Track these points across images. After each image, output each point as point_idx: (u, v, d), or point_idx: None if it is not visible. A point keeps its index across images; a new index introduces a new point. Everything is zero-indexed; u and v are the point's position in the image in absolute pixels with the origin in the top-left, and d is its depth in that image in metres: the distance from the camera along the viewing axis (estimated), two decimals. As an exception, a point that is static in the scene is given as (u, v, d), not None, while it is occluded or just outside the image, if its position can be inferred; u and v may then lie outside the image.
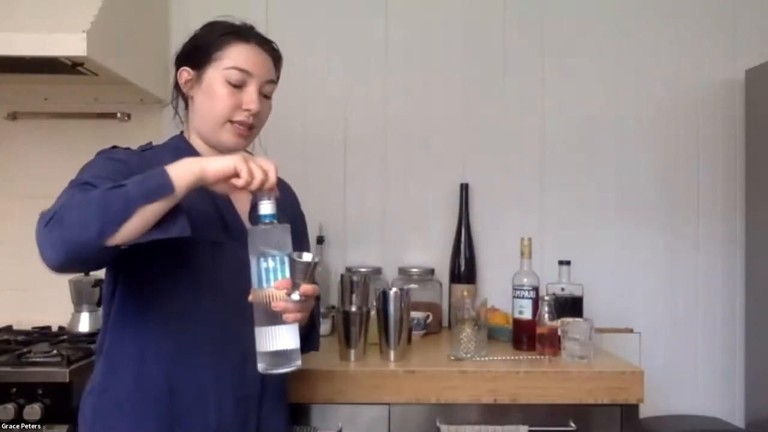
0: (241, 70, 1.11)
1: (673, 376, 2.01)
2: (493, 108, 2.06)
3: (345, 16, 2.06)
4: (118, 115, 1.99)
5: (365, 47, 2.06)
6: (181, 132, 1.23)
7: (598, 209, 2.05)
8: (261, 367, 1.00)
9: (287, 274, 0.98)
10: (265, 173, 0.96)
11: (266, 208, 0.98)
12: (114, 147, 1.13)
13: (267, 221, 0.98)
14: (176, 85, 1.20)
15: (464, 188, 2.00)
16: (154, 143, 1.20)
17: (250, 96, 1.12)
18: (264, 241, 0.97)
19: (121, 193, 0.89)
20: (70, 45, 1.48)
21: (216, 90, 1.11)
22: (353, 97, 2.06)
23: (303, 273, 1.01)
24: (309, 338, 1.23)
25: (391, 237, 2.05)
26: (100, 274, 1.21)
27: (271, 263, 0.97)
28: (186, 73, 1.15)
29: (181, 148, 1.17)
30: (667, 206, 2.05)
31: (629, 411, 1.42)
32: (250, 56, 1.13)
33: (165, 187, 0.90)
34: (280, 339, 0.98)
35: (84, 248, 0.88)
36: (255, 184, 0.95)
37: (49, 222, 0.89)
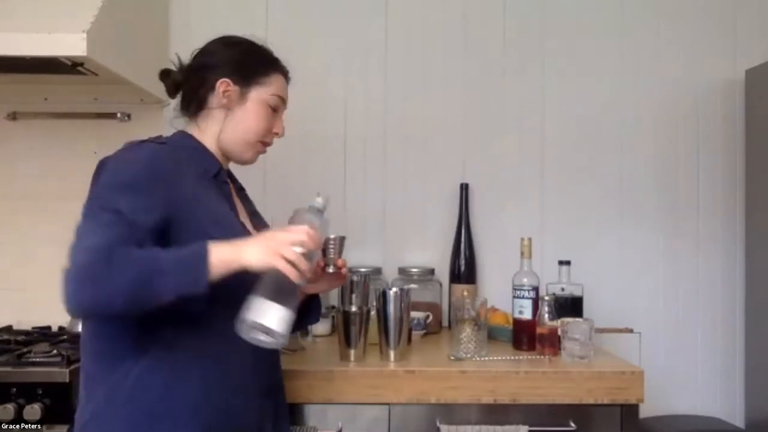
0: (281, 98, 1.24)
1: (673, 376, 2.01)
2: (493, 108, 2.06)
3: (345, 16, 2.05)
4: (118, 115, 1.99)
5: (365, 47, 2.06)
6: (182, 130, 1.21)
7: (599, 209, 2.05)
8: (249, 331, 0.95)
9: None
10: (308, 238, 1.02)
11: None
12: (143, 141, 1.10)
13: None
14: (196, 90, 1.19)
15: (464, 188, 2.00)
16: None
17: (281, 123, 1.24)
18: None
19: (158, 280, 0.93)
20: (70, 45, 1.48)
21: (259, 111, 1.20)
22: (353, 97, 2.06)
23: (335, 248, 1.21)
24: (313, 311, 1.31)
25: (391, 237, 2.05)
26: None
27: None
28: (226, 84, 1.17)
29: (195, 148, 1.17)
30: (667, 206, 2.05)
31: (629, 411, 1.42)
32: (284, 86, 1.25)
33: (199, 285, 0.94)
34: (281, 317, 0.95)
35: (106, 313, 0.97)
36: (301, 266, 0.98)
37: (80, 276, 0.95)
